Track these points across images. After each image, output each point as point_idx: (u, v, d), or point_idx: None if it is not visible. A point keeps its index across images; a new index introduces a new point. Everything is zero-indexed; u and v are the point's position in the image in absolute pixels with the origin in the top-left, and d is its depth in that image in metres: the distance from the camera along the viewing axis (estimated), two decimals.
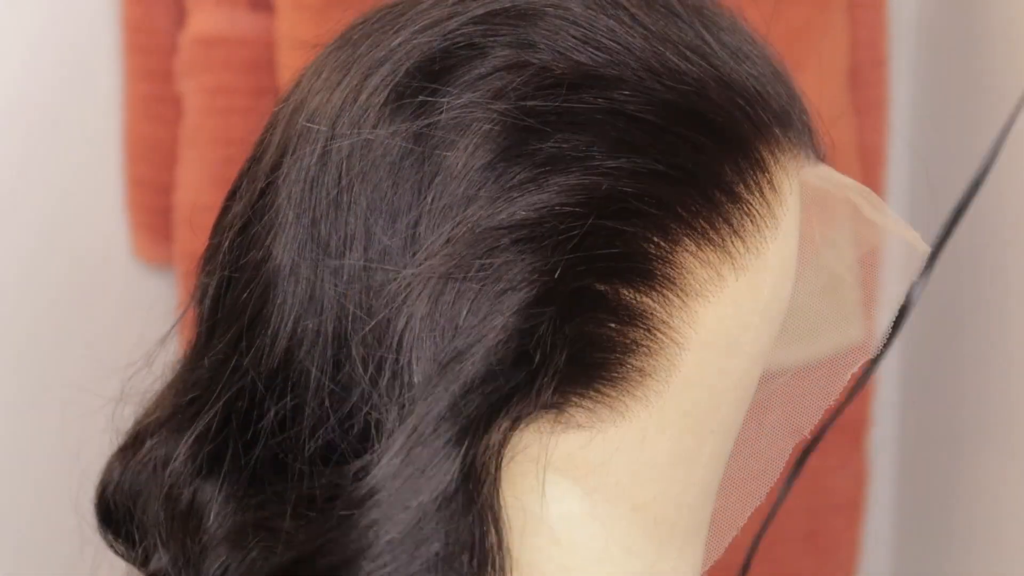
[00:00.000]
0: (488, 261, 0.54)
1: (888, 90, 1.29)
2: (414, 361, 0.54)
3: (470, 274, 0.53)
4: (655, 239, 0.56)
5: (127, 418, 0.66)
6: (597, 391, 0.56)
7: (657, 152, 0.56)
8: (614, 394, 0.56)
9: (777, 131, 0.60)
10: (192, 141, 1.26)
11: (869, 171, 1.27)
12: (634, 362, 0.56)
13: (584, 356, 0.55)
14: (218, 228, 0.62)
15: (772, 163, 0.59)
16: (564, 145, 0.55)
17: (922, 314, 1.37)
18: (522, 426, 0.55)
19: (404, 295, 0.54)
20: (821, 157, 0.64)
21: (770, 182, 0.59)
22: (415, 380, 0.53)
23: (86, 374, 1.34)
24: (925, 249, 0.64)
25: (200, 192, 1.25)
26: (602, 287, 0.55)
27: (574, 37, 0.57)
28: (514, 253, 0.54)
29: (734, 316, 0.58)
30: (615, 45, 0.57)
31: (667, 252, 0.56)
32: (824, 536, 1.29)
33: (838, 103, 1.22)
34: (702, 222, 0.57)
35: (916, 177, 1.36)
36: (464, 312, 0.53)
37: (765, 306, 0.60)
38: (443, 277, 0.53)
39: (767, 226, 0.59)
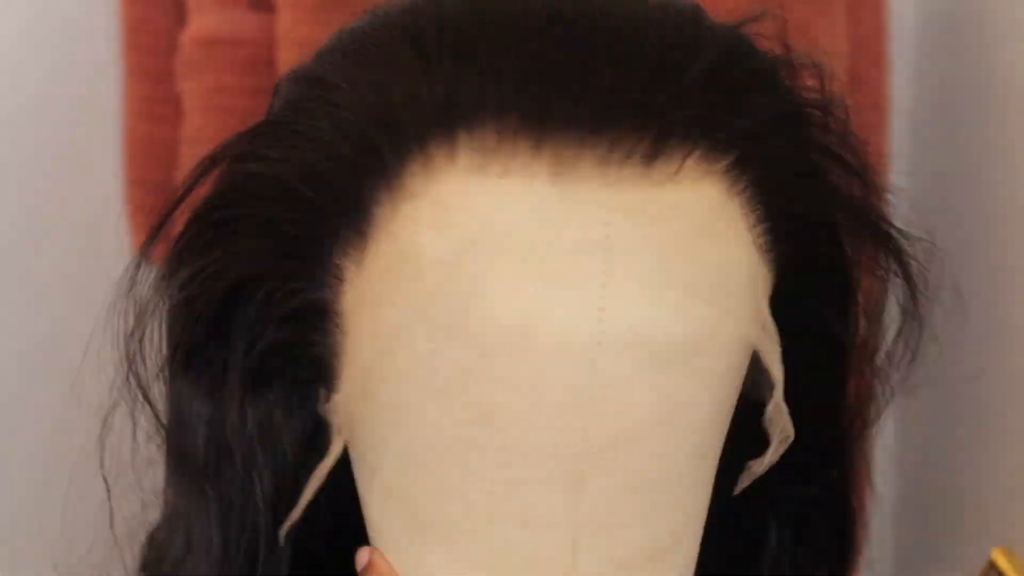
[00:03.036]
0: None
1: (888, 90, 1.29)
2: None
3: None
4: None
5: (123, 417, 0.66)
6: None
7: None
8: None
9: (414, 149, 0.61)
10: (192, 141, 1.26)
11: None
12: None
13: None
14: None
15: (408, 174, 0.61)
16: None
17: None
18: None
19: None
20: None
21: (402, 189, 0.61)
22: None
23: (85, 374, 1.34)
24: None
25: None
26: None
27: None
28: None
29: (389, 318, 0.61)
30: None
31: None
32: None
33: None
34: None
35: (916, 177, 1.36)
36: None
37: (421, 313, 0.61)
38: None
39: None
